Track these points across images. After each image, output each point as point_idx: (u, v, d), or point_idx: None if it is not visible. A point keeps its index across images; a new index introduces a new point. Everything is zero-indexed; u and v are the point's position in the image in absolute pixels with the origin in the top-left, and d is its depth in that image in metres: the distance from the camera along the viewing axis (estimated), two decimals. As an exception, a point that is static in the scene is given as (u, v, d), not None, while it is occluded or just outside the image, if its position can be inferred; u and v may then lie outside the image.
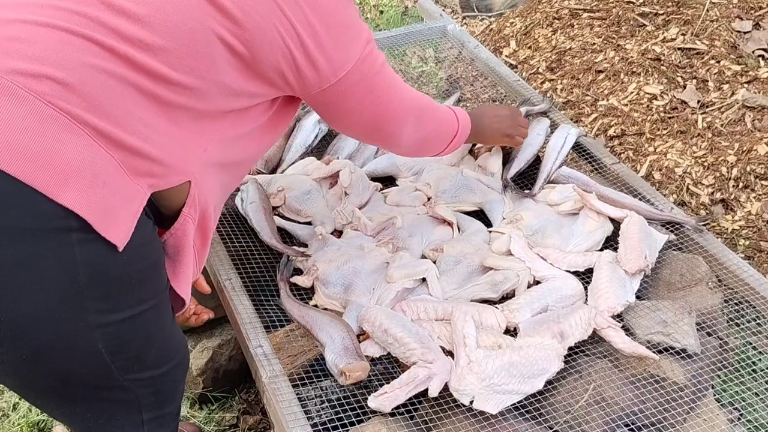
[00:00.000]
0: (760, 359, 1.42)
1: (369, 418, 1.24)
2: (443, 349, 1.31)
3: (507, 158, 1.82)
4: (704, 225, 1.62)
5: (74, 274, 0.84)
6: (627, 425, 1.25)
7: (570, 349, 1.33)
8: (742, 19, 2.49)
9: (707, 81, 2.32)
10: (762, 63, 2.35)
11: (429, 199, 1.72)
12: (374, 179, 1.79)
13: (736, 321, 1.46)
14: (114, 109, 0.88)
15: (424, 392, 1.24)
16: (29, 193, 0.80)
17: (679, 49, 2.43)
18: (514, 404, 1.24)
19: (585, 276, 1.49)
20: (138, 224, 0.90)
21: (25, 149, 0.80)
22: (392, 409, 1.22)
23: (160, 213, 0.99)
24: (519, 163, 1.78)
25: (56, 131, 0.82)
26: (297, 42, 1.03)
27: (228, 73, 1.00)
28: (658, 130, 2.23)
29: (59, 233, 0.82)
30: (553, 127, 1.89)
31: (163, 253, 1.01)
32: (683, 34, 2.47)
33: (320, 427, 1.21)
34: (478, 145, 1.84)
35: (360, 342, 1.33)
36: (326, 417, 1.24)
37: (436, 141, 1.43)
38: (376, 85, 1.19)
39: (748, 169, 2.04)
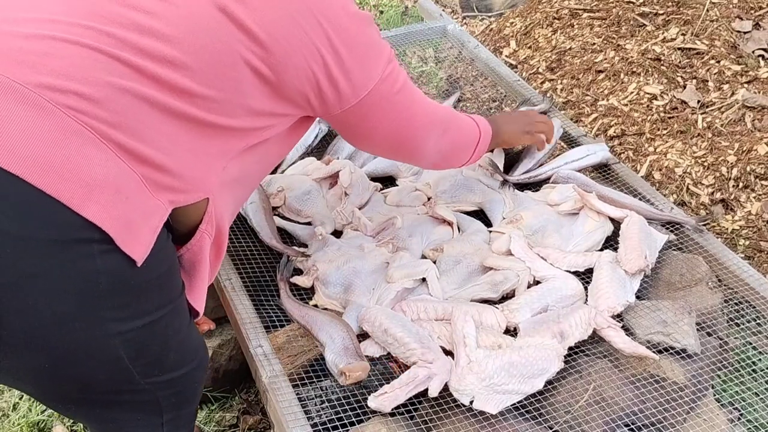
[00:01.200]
0: (760, 359, 1.42)
1: (369, 418, 1.24)
2: (443, 349, 1.31)
3: (515, 159, 1.82)
4: (704, 225, 1.62)
5: (95, 283, 0.85)
6: (627, 425, 1.25)
7: (570, 349, 1.33)
8: (742, 19, 2.50)
9: (707, 81, 2.32)
10: (762, 63, 2.35)
11: (429, 199, 1.72)
12: (374, 179, 1.79)
13: (736, 321, 1.46)
14: (138, 125, 0.89)
15: (424, 392, 1.24)
16: (54, 205, 0.81)
17: (679, 49, 2.43)
18: (514, 404, 1.24)
19: (585, 276, 1.49)
20: (156, 244, 0.91)
21: (50, 162, 0.81)
22: (392, 409, 1.22)
23: (172, 227, 1.00)
24: (527, 164, 1.78)
25: (81, 145, 0.83)
26: (321, 65, 1.05)
27: (253, 95, 1.01)
28: (658, 130, 2.23)
29: (82, 244, 0.83)
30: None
31: (177, 258, 1.02)
32: (683, 34, 2.47)
33: (320, 427, 1.21)
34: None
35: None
36: (326, 417, 1.24)
37: (460, 152, 1.43)
38: (397, 103, 1.19)
39: (748, 169, 2.04)
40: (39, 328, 0.84)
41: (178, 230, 1.00)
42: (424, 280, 1.47)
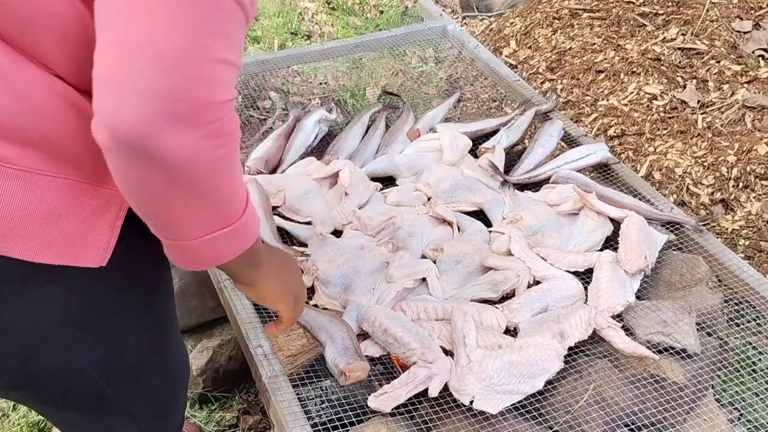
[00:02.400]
0: (760, 359, 1.42)
1: (369, 418, 1.24)
2: (443, 349, 1.31)
3: (517, 160, 1.82)
4: (704, 225, 1.62)
5: (59, 310, 0.82)
6: (627, 425, 1.25)
7: (570, 349, 1.33)
8: (742, 19, 2.50)
9: (707, 81, 2.32)
10: (762, 63, 2.35)
11: (429, 199, 1.72)
12: (374, 179, 1.79)
13: (736, 321, 1.46)
14: (50, 129, 0.76)
15: (424, 392, 1.24)
16: None
17: (679, 49, 2.43)
18: (514, 404, 1.24)
19: (585, 276, 1.49)
20: (126, 245, 0.83)
21: None
22: (392, 409, 1.22)
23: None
24: (529, 164, 1.78)
25: None
26: None
27: None
28: (658, 130, 2.23)
29: (29, 279, 0.79)
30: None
31: (161, 276, 0.96)
32: (683, 34, 2.47)
33: (320, 427, 1.21)
34: (482, 146, 1.84)
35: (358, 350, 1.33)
36: (326, 417, 1.24)
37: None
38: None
39: (748, 169, 2.04)
40: (7, 361, 0.83)
41: None
42: (424, 280, 1.47)
